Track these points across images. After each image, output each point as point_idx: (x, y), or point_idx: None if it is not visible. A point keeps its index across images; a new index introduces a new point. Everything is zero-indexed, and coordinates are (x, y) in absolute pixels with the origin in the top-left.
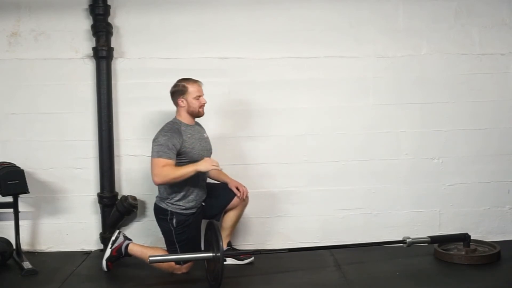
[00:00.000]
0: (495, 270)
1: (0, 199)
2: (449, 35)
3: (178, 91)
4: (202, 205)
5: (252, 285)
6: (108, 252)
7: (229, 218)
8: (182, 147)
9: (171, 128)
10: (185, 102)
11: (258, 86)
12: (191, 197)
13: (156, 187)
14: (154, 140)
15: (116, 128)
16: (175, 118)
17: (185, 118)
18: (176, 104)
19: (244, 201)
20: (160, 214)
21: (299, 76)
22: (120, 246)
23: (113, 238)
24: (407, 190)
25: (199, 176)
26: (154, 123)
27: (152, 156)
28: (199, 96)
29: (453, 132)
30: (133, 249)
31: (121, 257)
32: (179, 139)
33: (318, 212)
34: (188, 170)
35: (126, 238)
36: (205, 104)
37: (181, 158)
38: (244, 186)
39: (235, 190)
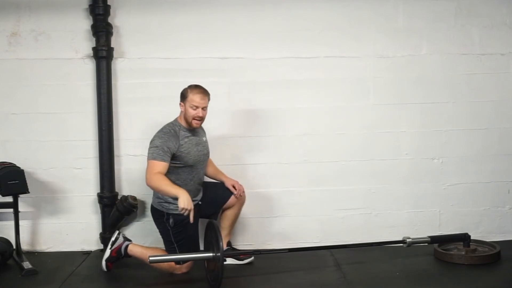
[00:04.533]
0: (495, 270)
1: (0, 199)
2: (449, 35)
3: (181, 94)
4: (198, 204)
5: (252, 285)
6: (107, 252)
7: (227, 217)
8: (177, 151)
9: (169, 131)
10: (183, 107)
11: (258, 86)
12: None
13: None
14: (151, 142)
15: (116, 128)
16: (175, 120)
17: (184, 122)
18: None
19: (241, 199)
20: (157, 215)
21: (299, 76)
22: (119, 247)
23: (113, 239)
24: (407, 190)
25: (195, 176)
26: (154, 123)
27: (148, 158)
28: (196, 107)
29: (453, 132)
30: (133, 249)
31: (121, 257)
32: (175, 142)
33: (318, 212)
34: (172, 191)
35: (125, 239)
36: (202, 118)
37: (176, 162)
38: (240, 184)
39: (231, 188)
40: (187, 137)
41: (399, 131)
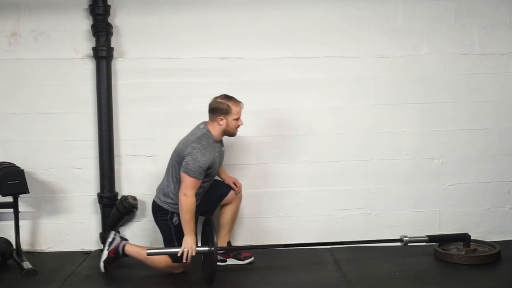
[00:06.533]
0: (495, 270)
1: (0, 199)
2: (449, 35)
3: (221, 109)
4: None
5: (252, 285)
6: (105, 254)
7: (226, 213)
8: (209, 167)
9: (207, 146)
10: (224, 121)
11: (258, 86)
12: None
13: (155, 187)
14: (190, 153)
15: (116, 128)
16: (208, 131)
17: (217, 135)
18: (213, 120)
19: (239, 195)
20: (159, 212)
21: (299, 76)
22: (117, 247)
23: (110, 240)
24: (407, 190)
25: (209, 185)
26: (154, 123)
27: (188, 172)
28: (239, 118)
29: (453, 132)
30: (129, 249)
31: (119, 258)
32: (212, 160)
33: (318, 212)
34: (186, 228)
35: (122, 239)
36: None
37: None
38: (239, 182)
39: (232, 185)
40: (216, 150)
41: (399, 131)
